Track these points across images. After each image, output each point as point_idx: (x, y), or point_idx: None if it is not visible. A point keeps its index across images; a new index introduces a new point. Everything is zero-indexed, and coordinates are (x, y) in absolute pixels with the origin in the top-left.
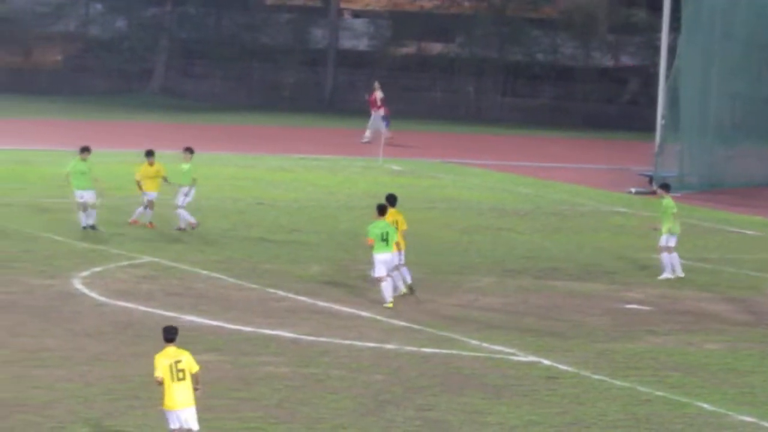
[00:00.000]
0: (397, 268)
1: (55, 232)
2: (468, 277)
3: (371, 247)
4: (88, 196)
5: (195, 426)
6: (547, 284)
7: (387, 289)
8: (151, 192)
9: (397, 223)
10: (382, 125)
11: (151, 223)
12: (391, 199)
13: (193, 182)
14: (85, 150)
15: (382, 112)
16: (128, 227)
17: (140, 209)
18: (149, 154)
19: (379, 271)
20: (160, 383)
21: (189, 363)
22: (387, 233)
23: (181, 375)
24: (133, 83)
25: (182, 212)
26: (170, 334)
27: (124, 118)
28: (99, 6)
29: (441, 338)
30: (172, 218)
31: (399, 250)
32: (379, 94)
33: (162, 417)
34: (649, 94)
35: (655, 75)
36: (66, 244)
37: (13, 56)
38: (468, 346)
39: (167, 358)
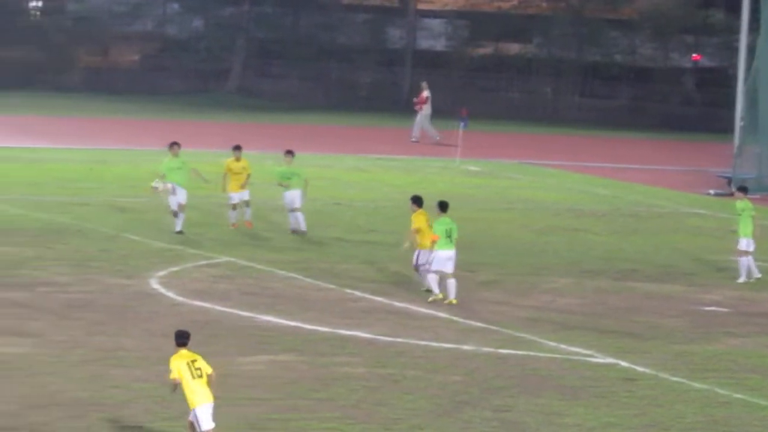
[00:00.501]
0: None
1: (132, 232)
2: (545, 278)
3: (433, 243)
4: (180, 194)
5: (210, 425)
6: (625, 285)
7: (434, 281)
8: (234, 194)
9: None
10: (427, 123)
11: (234, 224)
12: (418, 200)
13: (305, 184)
14: (174, 145)
15: (427, 110)
16: (205, 227)
17: (233, 212)
18: (236, 148)
19: (439, 265)
20: (176, 385)
21: (203, 364)
22: (451, 230)
23: (198, 372)
24: (210, 83)
25: (299, 215)
26: (183, 339)
27: (201, 118)
28: (176, 6)
29: (518, 339)
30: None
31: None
32: (426, 93)
33: (239, 416)
34: (727, 95)
35: (734, 76)
36: (143, 244)
37: (90, 55)
38: (545, 348)
39: (182, 359)
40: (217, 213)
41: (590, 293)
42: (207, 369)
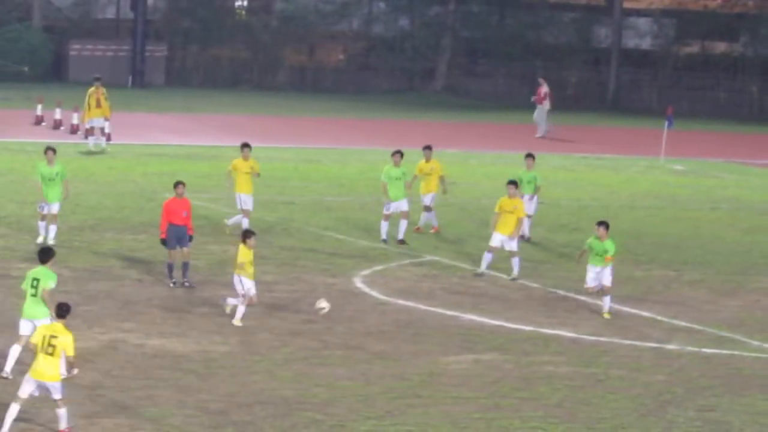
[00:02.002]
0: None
1: (338, 231)
2: (751, 278)
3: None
4: (399, 205)
5: (57, 395)
6: None
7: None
8: (424, 195)
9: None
10: (544, 119)
11: (435, 227)
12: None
13: (536, 191)
14: (396, 153)
15: (547, 106)
16: (409, 226)
17: (425, 215)
18: (426, 148)
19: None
20: (32, 349)
21: (64, 343)
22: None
23: (50, 350)
24: (416, 82)
25: (526, 221)
26: (61, 311)
27: (407, 117)
28: (382, 5)
29: (722, 339)
30: (454, 218)
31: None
32: (544, 89)
33: (443, 415)
34: None
35: None
36: (348, 243)
37: (297, 54)
38: (750, 347)
39: (47, 330)
40: (420, 212)
41: None
42: (66, 349)
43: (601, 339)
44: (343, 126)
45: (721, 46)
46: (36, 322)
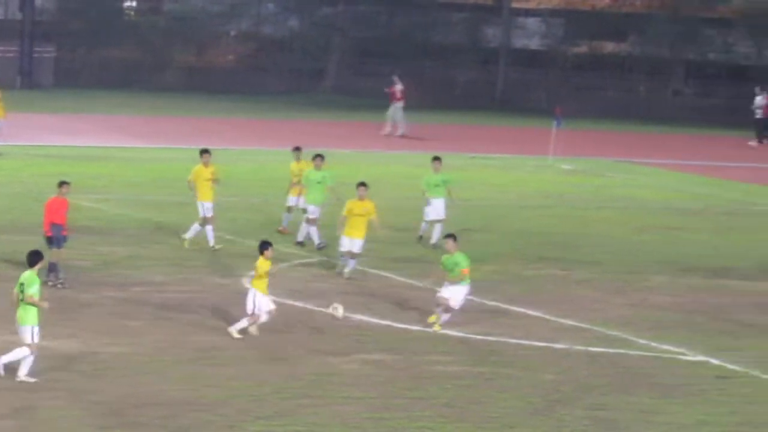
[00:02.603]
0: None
1: (228, 232)
2: (639, 276)
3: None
4: (314, 210)
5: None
6: (719, 283)
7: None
8: (292, 197)
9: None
10: (400, 116)
11: (284, 229)
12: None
13: (449, 193)
14: (317, 156)
15: (401, 104)
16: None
17: (287, 215)
18: (296, 149)
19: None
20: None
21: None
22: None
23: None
24: (306, 83)
25: (439, 227)
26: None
27: (298, 117)
28: (271, 6)
29: (610, 337)
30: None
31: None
32: (399, 87)
33: (333, 415)
34: None
35: None
36: (237, 243)
37: (187, 55)
38: (636, 345)
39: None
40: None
41: (684, 291)
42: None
43: (490, 338)
44: (234, 126)
45: (609, 46)
46: (21, 328)
